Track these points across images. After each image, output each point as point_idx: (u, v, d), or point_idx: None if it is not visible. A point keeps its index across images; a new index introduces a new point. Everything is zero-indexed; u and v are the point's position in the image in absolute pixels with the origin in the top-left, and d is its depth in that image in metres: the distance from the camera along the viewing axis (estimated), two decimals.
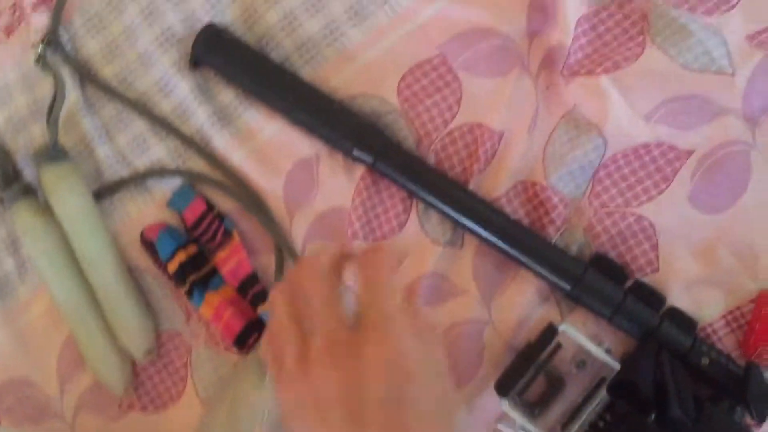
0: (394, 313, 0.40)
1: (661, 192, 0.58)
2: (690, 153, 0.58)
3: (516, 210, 0.60)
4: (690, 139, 0.58)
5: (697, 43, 0.58)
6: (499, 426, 0.58)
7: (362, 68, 0.63)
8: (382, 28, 0.63)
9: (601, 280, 0.56)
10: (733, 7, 0.58)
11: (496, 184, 0.60)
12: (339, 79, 0.63)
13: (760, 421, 0.53)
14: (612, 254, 0.59)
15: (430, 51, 0.62)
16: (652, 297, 0.56)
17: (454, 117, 0.61)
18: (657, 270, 0.58)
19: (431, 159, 0.62)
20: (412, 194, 0.61)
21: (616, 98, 0.58)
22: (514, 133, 0.60)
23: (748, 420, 0.53)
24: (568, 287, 0.56)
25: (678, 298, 0.57)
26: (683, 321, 0.56)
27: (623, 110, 0.59)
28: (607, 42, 0.60)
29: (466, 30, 0.61)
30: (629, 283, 0.57)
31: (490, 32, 0.62)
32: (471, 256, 0.60)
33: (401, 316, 0.40)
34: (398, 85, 0.62)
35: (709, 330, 0.57)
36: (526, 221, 0.60)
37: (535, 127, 0.60)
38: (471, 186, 0.60)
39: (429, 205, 0.60)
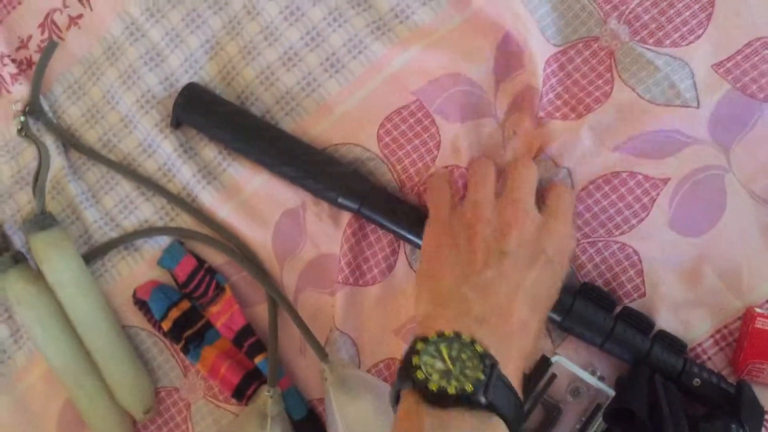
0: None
1: (641, 220, 0.60)
2: (666, 180, 0.60)
3: None
4: (663, 168, 0.60)
5: (663, 77, 0.60)
6: None
7: (341, 118, 0.64)
8: (359, 77, 0.64)
9: (590, 309, 0.58)
10: (699, 37, 0.60)
11: None
12: (319, 129, 0.65)
13: None
14: (599, 282, 0.60)
15: (406, 97, 0.63)
16: (641, 322, 0.58)
17: (434, 160, 0.62)
18: (644, 295, 0.60)
19: (414, 201, 0.63)
20: (398, 236, 0.62)
21: (585, 135, 0.60)
22: None
23: None
24: (558, 319, 0.58)
25: (666, 320, 0.59)
26: (673, 343, 0.58)
27: (591, 144, 0.61)
28: (577, 81, 0.62)
29: (439, 76, 0.63)
30: (618, 309, 0.59)
31: (459, 78, 0.63)
32: None
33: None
34: (378, 132, 0.63)
35: (698, 350, 0.59)
36: None
37: None
38: None
39: (416, 246, 0.61)
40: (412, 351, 0.46)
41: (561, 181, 0.60)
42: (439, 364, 0.45)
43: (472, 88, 0.63)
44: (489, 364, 0.45)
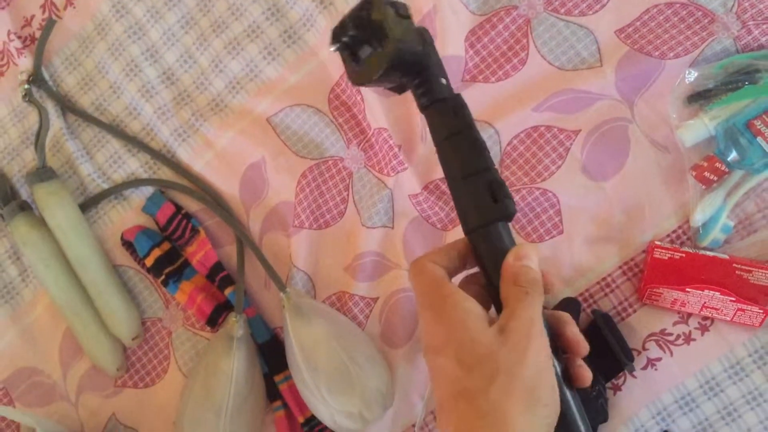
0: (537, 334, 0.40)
1: (558, 167, 0.68)
2: (577, 132, 0.68)
3: (434, 204, 0.70)
4: (575, 121, 0.68)
5: (569, 47, 0.68)
6: None
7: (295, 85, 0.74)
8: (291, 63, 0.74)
9: None
10: (604, 6, 0.68)
11: (414, 186, 0.70)
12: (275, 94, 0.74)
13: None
14: (523, 222, 0.68)
15: (338, 70, 0.72)
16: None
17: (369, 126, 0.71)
18: (562, 232, 0.68)
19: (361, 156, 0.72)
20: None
21: (507, 98, 0.68)
22: (410, 144, 0.71)
23: None
24: None
25: (580, 253, 0.67)
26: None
27: (512, 106, 0.68)
28: (498, 46, 0.70)
29: None
30: None
31: None
32: (401, 235, 0.70)
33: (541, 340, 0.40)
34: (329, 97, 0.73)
35: (608, 279, 0.67)
36: (445, 210, 0.70)
37: (426, 136, 0.70)
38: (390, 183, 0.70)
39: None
40: None
41: None
42: None
43: None
44: None
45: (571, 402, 0.42)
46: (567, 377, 0.42)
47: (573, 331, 0.43)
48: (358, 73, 0.45)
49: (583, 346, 0.43)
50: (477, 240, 0.44)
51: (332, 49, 0.45)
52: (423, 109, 0.46)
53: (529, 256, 0.43)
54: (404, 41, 0.42)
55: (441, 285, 0.43)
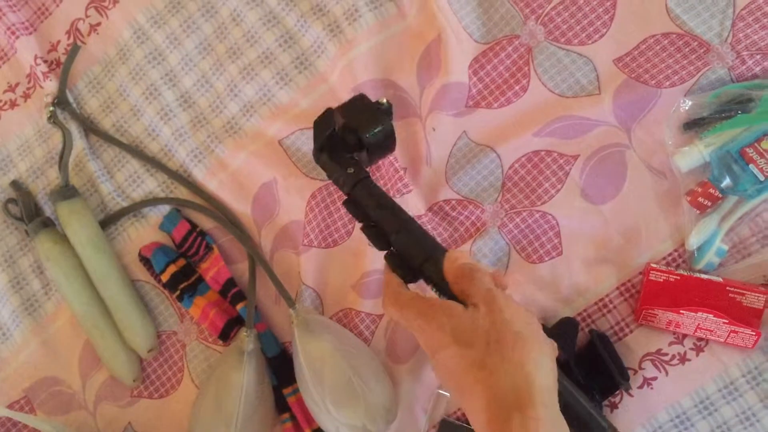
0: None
1: (558, 191, 0.71)
2: (576, 157, 0.70)
3: (438, 224, 0.72)
4: (574, 146, 0.70)
5: (568, 75, 0.70)
6: (440, 391, 0.70)
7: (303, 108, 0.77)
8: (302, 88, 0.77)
9: None
10: (603, 35, 0.70)
11: (418, 207, 0.72)
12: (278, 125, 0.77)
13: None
14: (524, 243, 0.71)
15: (347, 95, 0.74)
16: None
17: None
18: (561, 253, 0.70)
19: None
20: None
21: (509, 123, 0.71)
22: (416, 166, 0.73)
23: None
24: None
25: (579, 275, 0.69)
26: None
27: (514, 131, 0.71)
28: (501, 74, 0.73)
29: (372, 79, 0.75)
30: None
31: (389, 83, 0.75)
32: None
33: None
34: None
35: (606, 300, 0.69)
36: (449, 231, 0.72)
37: (431, 159, 0.73)
38: None
39: None
40: None
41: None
42: None
43: (400, 93, 0.74)
44: None
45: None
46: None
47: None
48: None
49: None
50: (428, 269, 0.52)
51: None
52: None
53: (458, 257, 0.51)
54: None
55: (418, 297, 0.51)
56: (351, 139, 0.57)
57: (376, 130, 0.57)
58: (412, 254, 0.53)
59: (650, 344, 0.67)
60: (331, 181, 0.74)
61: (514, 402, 0.43)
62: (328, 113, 0.58)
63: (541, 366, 0.45)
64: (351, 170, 0.56)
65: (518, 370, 0.44)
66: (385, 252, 0.55)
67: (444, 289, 0.51)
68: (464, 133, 0.72)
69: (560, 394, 0.46)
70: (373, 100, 0.58)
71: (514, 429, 0.43)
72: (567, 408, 0.48)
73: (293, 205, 0.76)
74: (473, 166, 0.72)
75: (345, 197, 0.57)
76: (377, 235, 0.54)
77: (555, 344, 0.48)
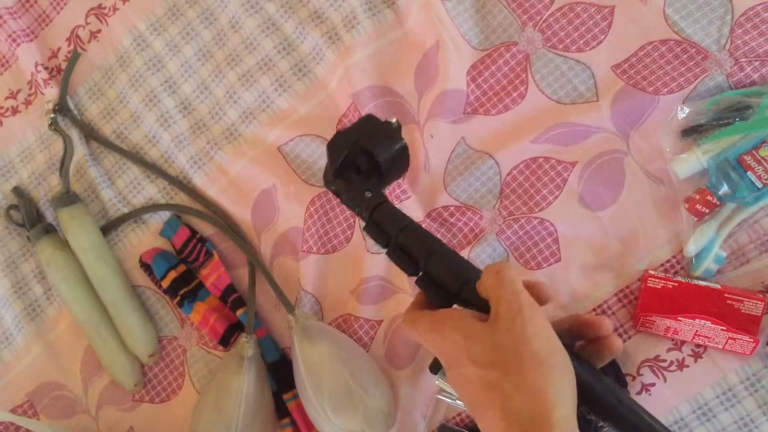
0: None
1: (556, 197, 0.71)
2: (574, 163, 0.70)
3: (436, 231, 0.72)
4: (572, 153, 0.70)
5: (566, 82, 0.70)
6: (439, 396, 0.70)
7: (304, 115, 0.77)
8: (301, 95, 0.77)
9: None
10: (601, 42, 0.70)
11: (417, 213, 0.73)
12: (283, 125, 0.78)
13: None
14: (522, 249, 0.71)
15: (346, 102, 0.75)
16: None
17: None
18: (560, 260, 0.70)
19: None
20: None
21: (505, 130, 0.71)
22: (414, 173, 0.73)
23: None
24: None
25: (578, 281, 0.69)
26: None
27: (512, 138, 0.71)
28: (499, 80, 0.73)
29: (370, 85, 0.75)
30: None
31: (387, 91, 0.75)
32: None
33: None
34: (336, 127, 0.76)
35: (604, 306, 0.69)
36: (447, 237, 0.72)
37: (430, 166, 0.73)
38: None
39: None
40: None
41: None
42: None
43: (399, 100, 0.75)
44: None
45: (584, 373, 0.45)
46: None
47: (586, 318, 0.47)
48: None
49: (603, 323, 0.47)
50: (466, 293, 0.48)
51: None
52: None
53: (501, 268, 0.46)
54: None
55: (431, 312, 0.48)
56: (363, 162, 0.55)
57: (392, 150, 0.55)
58: (448, 280, 0.49)
59: (648, 350, 0.67)
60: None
61: (531, 430, 0.41)
62: (341, 136, 0.56)
63: (560, 393, 0.42)
64: (369, 194, 0.53)
65: (537, 397, 0.41)
66: (416, 277, 0.51)
67: (485, 311, 0.47)
68: (462, 139, 0.73)
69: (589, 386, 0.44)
70: (382, 119, 0.57)
71: None
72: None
73: (292, 212, 0.76)
74: (471, 172, 0.72)
75: (366, 222, 0.54)
76: (406, 260, 0.51)
77: (573, 371, 0.44)
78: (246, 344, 0.72)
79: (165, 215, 0.80)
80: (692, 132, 0.66)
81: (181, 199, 0.80)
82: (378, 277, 0.74)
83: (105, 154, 0.83)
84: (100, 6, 0.83)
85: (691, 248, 0.66)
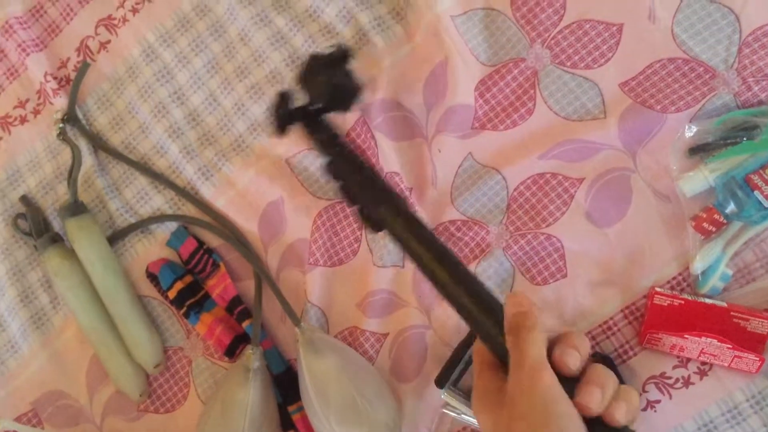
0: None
1: (563, 213, 0.71)
2: (581, 180, 0.70)
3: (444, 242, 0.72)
4: (579, 169, 0.70)
5: (574, 98, 0.71)
6: (444, 410, 0.71)
7: None
8: None
9: None
10: (609, 60, 0.71)
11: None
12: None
13: None
14: (528, 265, 0.71)
15: (354, 115, 0.75)
16: None
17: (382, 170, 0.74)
18: (566, 276, 0.70)
19: None
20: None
21: (513, 146, 0.71)
22: (421, 187, 0.74)
23: None
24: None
25: (584, 297, 0.69)
26: None
27: (519, 153, 0.71)
28: (507, 96, 0.73)
29: (378, 99, 0.75)
30: None
31: (396, 104, 0.75)
32: (411, 275, 0.73)
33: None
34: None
35: (610, 322, 0.69)
36: (455, 249, 0.72)
37: (437, 180, 0.73)
38: None
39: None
40: None
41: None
42: None
43: (407, 114, 0.75)
44: None
45: None
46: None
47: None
48: None
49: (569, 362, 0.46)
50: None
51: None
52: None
53: (521, 302, 0.48)
54: None
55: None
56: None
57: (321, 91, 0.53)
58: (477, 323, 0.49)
59: (654, 367, 0.67)
60: (336, 201, 0.75)
61: None
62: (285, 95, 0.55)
63: None
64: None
65: None
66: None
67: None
68: (470, 154, 0.73)
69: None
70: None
71: None
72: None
73: (300, 224, 0.76)
74: (479, 187, 0.72)
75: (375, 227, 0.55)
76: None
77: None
78: (252, 356, 0.72)
79: (172, 226, 0.80)
80: (699, 150, 0.67)
81: (189, 210, 0.80)
82: (384, 291, 0.74)
83: (113, 165, 0.83)
84: (109, 17, 0.84)
85: (698, 266, 0.66)
